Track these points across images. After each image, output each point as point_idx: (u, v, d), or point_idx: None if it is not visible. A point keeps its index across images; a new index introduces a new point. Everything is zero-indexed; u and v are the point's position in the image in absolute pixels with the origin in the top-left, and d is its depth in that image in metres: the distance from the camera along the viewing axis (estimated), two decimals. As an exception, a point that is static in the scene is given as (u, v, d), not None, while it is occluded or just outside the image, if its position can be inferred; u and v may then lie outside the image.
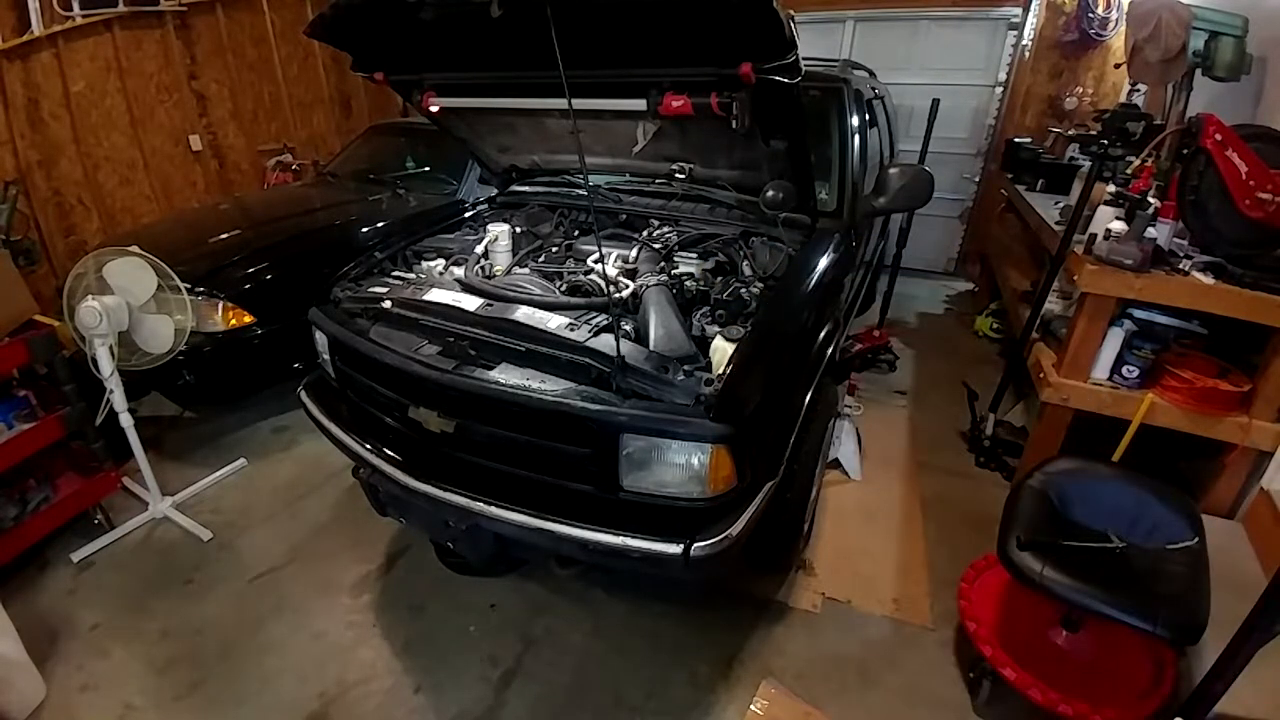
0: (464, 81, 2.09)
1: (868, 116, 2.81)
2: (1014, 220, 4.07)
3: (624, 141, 2.15)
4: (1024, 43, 4.65)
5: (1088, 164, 2.47)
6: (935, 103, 3.55)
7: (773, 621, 2.06)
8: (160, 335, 2.27)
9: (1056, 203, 3.11)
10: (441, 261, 2.13)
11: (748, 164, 2.08)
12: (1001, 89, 4.82)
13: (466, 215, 2.55)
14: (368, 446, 1.80)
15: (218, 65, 4.94)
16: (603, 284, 1.75)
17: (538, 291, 1.80)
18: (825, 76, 2.73)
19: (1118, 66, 4.26)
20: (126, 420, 2.35)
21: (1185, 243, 2.29)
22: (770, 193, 1.95)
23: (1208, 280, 2.05)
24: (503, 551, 1.77)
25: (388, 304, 1.79)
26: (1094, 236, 2.24)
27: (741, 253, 1.98)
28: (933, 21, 4.79)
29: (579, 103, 1.55)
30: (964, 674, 1.88)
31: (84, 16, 4.04)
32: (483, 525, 1.62)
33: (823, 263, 1.96)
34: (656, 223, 2.19)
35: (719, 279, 1.90)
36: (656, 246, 2.04)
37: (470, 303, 1.69)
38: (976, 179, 5.13)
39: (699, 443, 1.42)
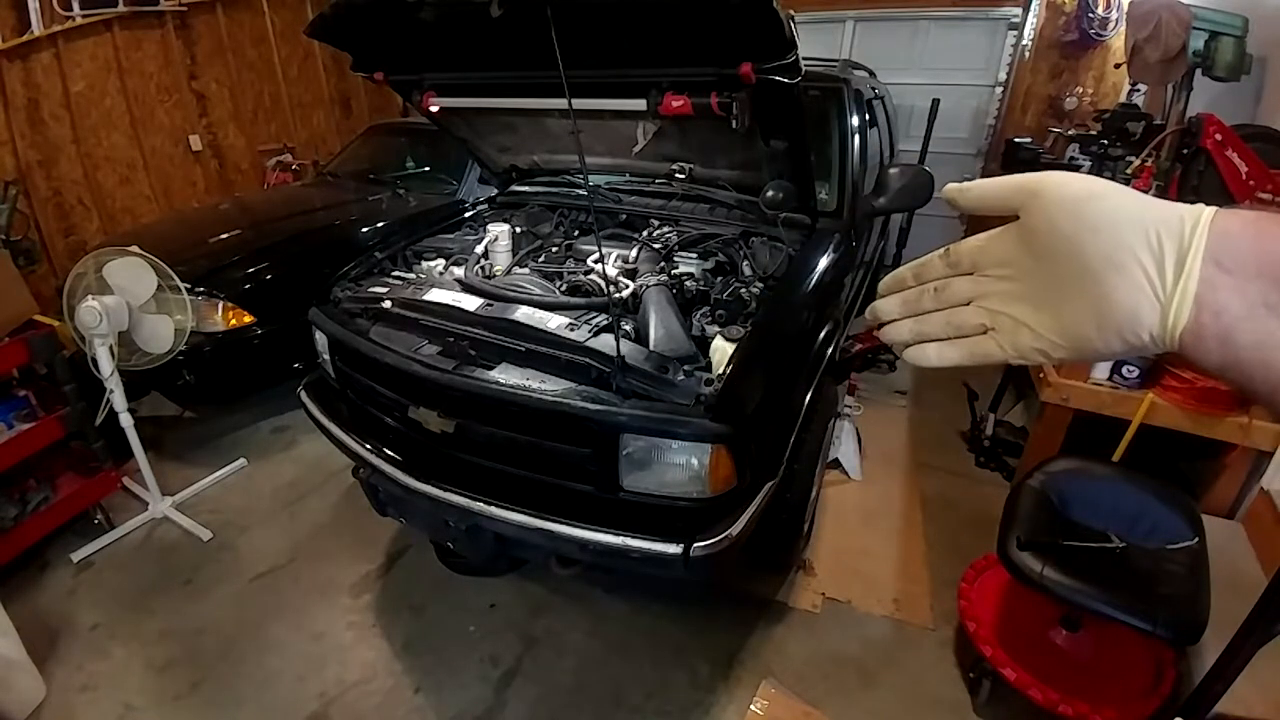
0: (464, 81, 2.08)
1: (868, 116, 2.80)
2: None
3: (624, 141, 2.14)
4: (1024, 43, 4.65)
5: (1088, 164, 2.48)
6: (935, 103, 3.56)
7: (773, 621, 2.06)
8: (160, 335, 2.27)
9: (1057, 203, 3.11)
10: (441, 261, 2.13)
11: (748, 164, 2.08)
12: (1001, 89, 4.81)
13: (466, 215, 2.55)
14: (368, 446, 1.80)
15: (218, 65, 4.94)
16: (603, 284, 1.75)
17: (538, 291, 1.80)
18: (825, 76, 2.73)
19: (1118, 66, 4.26)
20: (126, 420, 2.35)
21: (1185, 243, 2.28)
22: (770, 193, 1.95)
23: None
24: (503, 551, 1.77)
25: (388, 304, 1.79)
26: (1094, 236, 2.24)
27: (741, 253, 1.98)
28: (933, 21, 4.78)
29: (579, 103, 1.55)
30: (964, 674, 1.88)
31: (84, 16, 4.04)
32: (483, 525, 1.62)
33: (823, 263, 1.96)
34: (656, 223, 2.19)
35: (719, 279, 1.90)
36: (656, 246, 2.03)
37: (470, 303, 1.69)
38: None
39: (699, 443, 1.42)
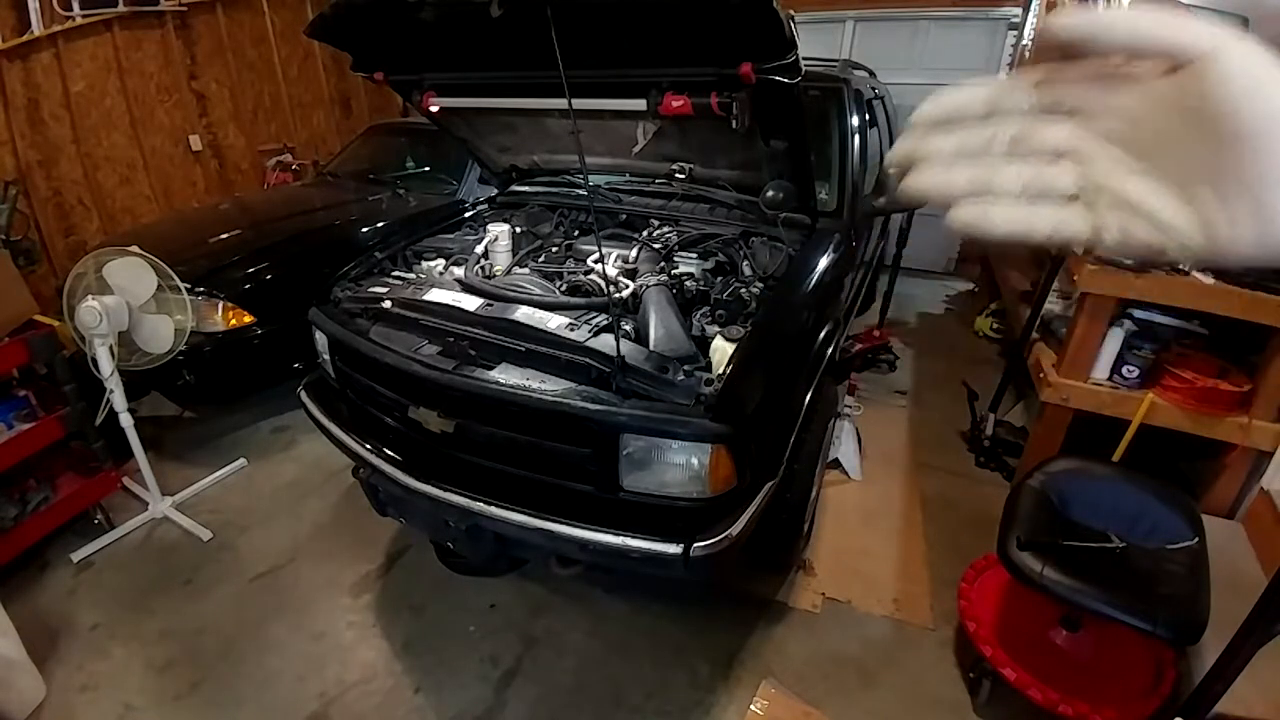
0: (464, 81, 2.09)
1: (868, 116, 2.80)
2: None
3: (624, 141, 2.15)
4: (1024, 43, 4.65)
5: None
6: (935, 103, 3.56)
7: (773, 621, 2.06)
8: (160, 335, 2.27)
9: (1056, 203, 3.11)
10: (441, 261, 2.13)
11: (748, 164, 2.08)
12: (1001, 89, 4.82)
13: (466, 215, 2.55)
14: (368, 446, 1.80)
15: (218, 65, 4.94)
16: (603, 284, 1.75)
17: (538, 291, 1.80)
18: (825, 76, 2.73)
19: (1118, 66, 4.25)
20: (126, 420, 2.34)
21: (1185, 243, 2.28)
22: (770, 193, 1.95)
23: (1208, 280, 2.05)
24: (503, 551, 1.77)
25: (388, 304, 1.79)
26: (1094, 236, 2.24)
27: (741, 253, 1.98)
28: (933, 21, 4.79)
29: (579, 103, 1.55)
30: (964, 674, 1.88)
31: (84, 16, 4.04)
32: (483, 525, 1.62)
33: (823, 263, 1.96)
34: (656, 223, 2.19)
35: (719, 279, 1.90)
36: (656, 246, 2.03)
37: (470, 303, 1.69)
38: (977, 179, 5.13)
39: (699, 443, 1.42)
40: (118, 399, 2.29)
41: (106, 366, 2.22)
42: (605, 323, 1.57)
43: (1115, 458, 2.25)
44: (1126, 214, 0.31)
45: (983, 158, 0.33)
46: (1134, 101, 0.31)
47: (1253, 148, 0.28)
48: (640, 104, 1.75)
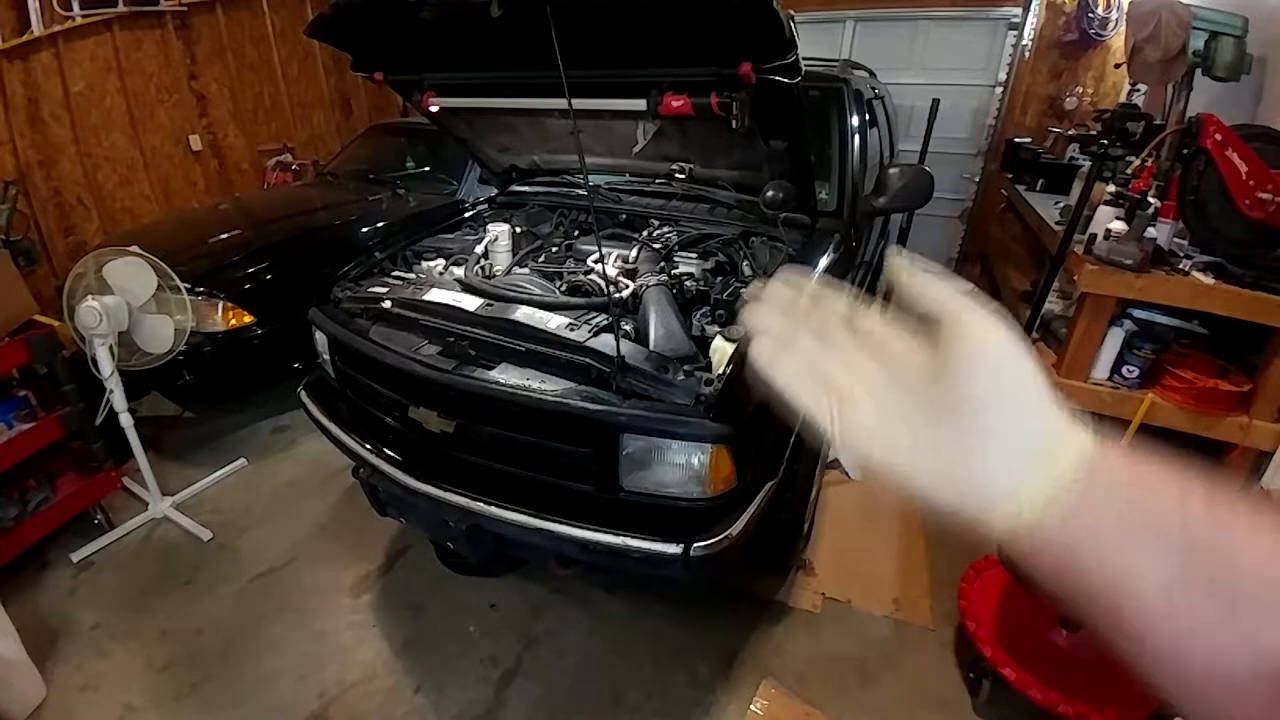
0: (464, 81, 2.08)
1: (868, 116, 2.80)
2: (1014, 220, 4.07)
3: (624, 141, 2.14)
4: (1024, 43, 4.65)
5: (1088, 164, 2.48)
6: (935, 103, 3.56)
7: (773, 621, 2.06)
8: (160, 335, 2.27)
9: (1056, 203, 3.11)
10: (441, 261, 2.12)
11: (748, 164, 2.08)
12: (1001, 89, 4.81)
13: (466, 215, 2.55)
14: (368, 446, 1.80)
15: (218, 65, 4.94)
16: (603, 284, 1.75)
17: (538, 291, 1.80)
18: (825, 76, 2.73)
19: (1118, 66, 4.25)
20: (126, 420, 2.35)
21: (1185, 243, 2.29)
22: (770, 193, 1.94)
23: (1208, 280, 2.05)
24: (503, 551, 1.78)
25: (388, 304, 1.79)
26: (1094, 236, 2.24)
27: (741, 253, 1.98)
28: (933, 21, 4.78)
29: (579, 103, 1.55)
30: (964, 674, 1.88)
31: (84, 16, 4.04)
32: (483, 525, 1.62)
33: (823, 263, 1.96)
34: (656, 223, 2.19)
35: (719, 279, 1.90)
36: (656, 246, 2.03)
37: (470, 303, 1.69)
38: (976, 179, 5.13)
39: (699, 443, 1.42)
40: (118, 399, 2.29)
41: (106, 366, 2.22)
42: (605, 323, 1.57)
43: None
44: (859, 421, 0.36)
45: (795, 327, 0.40)
46: (915, 354, 0.36)
47: (964, 400, 0.34)
48: (640, 104, 1.75)
